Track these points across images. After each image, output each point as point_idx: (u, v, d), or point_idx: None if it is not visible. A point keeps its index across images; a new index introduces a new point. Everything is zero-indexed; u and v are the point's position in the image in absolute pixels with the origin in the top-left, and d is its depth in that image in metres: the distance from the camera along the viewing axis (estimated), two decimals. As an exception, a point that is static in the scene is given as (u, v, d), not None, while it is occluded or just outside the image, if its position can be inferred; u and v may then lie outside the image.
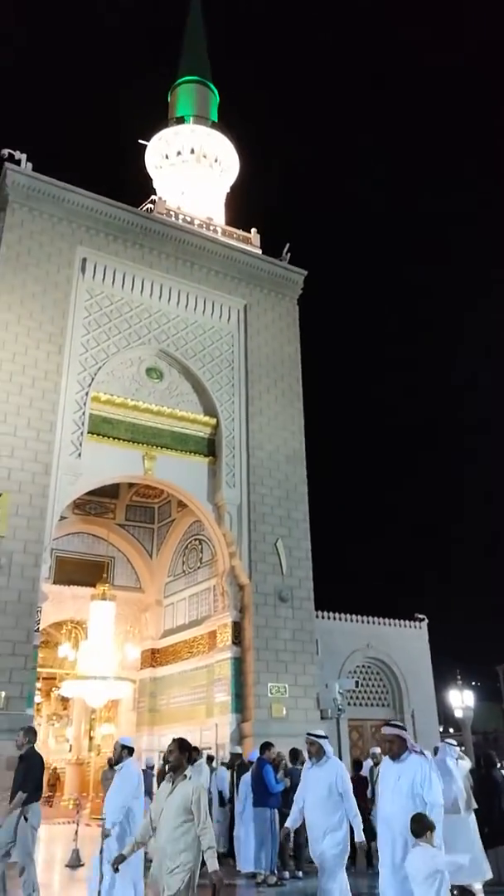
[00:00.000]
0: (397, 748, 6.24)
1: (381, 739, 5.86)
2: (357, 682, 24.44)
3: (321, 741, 7.71)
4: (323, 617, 23.86)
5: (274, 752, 11.81)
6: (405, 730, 6.32)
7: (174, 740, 6.10)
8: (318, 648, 21.53)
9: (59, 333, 19.50)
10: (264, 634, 19.92)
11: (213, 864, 5.44)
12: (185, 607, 24.24)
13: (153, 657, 24.90)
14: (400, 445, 67.78)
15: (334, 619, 24.83)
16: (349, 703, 23.24)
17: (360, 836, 7.12)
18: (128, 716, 25.33)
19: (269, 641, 19.90)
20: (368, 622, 25.74)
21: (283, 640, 20.13)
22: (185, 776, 5.83)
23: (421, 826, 5.72)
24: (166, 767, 6.66)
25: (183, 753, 5.97)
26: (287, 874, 11.12)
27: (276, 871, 10.91)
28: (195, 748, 14.10)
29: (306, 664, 20.32)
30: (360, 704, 24.83)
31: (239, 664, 19.97)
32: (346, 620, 25.21)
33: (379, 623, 25.99)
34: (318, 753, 7.61)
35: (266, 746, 11.85)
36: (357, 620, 25.49)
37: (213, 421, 21.67)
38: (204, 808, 5.66)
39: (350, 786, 7.47)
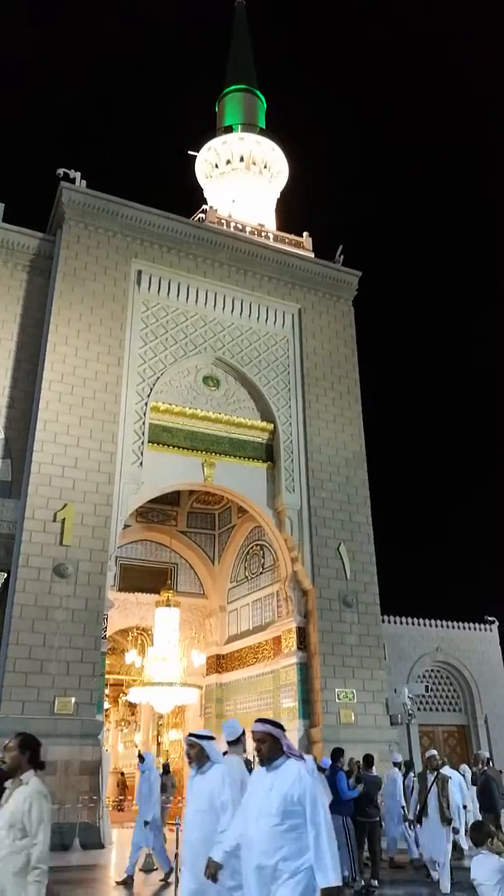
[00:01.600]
0: (267, 750, 4.59)
1: (253, 738, 4.68)
2: (427, 687, 23.98)
3: (203, 742, 6.15)
4: (389, 621, 23.54)
5: (346, 759, 11.67)
6: (281, 728, 4.72)
7: (16, 735, 4.75)
8: (385, 653, 21.21)
9: (118, 346, 19.86)
10: (330, 639, 19.74)
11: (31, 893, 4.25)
12: (248, 613, 24.25)
13: (219, 663, 24.99)
14: (470, 443, 66.44)
15: (401, 623, 24.48)
16: (419, 709, 22.82)
17: (217, 856, 5.24)
18: (195, 721, 25.47)
19: (334, 646, 19.71)
20: (437, 625, 25.27)
21: (350, 646, 19.90)
22: (22, 782, 4.56)
23: (481, 834, 5.55)
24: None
25: (24, 753, 4.62)
26: (374, 882, 10.90)
27: (355, 879, 10.81)
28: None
29: (374, 669, 20.03)
30: (431, 710, 24.36)
31: (305, 669, 19.84)
32: (413, 624, 24.82)
33: (448, 626, 25.48)
34: (198, 758, 6.10)
35: (338, 753, 11.73)
36: (425, 624, 25.06)
37: (271, 426, 21.65)
38: (37, 821, 4.39)
39: (229, 797, 5.79)
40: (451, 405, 67.14)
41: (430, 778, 10.96)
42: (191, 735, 6.24)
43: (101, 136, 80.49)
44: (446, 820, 10.51)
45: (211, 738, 6.27)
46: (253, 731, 4.64)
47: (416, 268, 75.91)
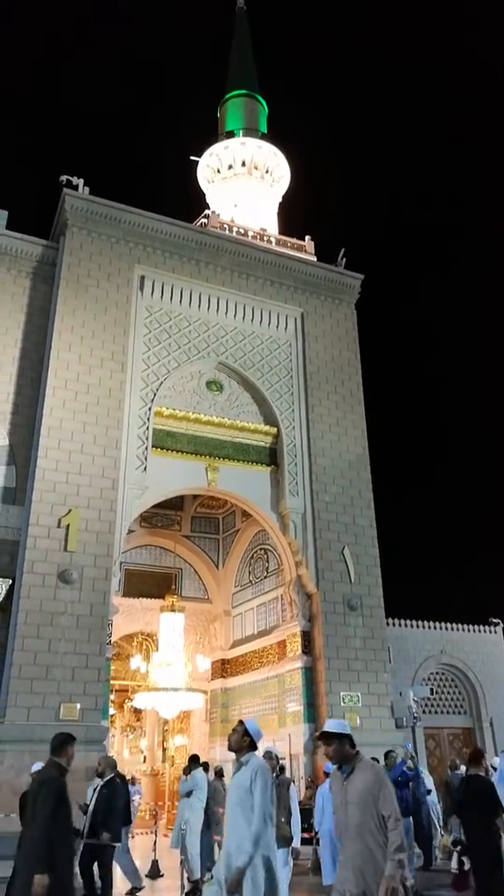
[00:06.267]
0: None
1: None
2: (432, 690, 23.95)
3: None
4: (394, 624, 23.53)
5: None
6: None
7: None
8: (390, 656, 21.20)
9: (121, 351, 19.92)
10: (334, 643, 19.74)
11: None
12: (253, 617, 24.27)
13: (223, 668, 25.00)
14: (474, 445, 66.33)
15: (406, 625, 24.47)
16: (424, 711, 22.79)
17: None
18: (200, 727, 25.48)
19: (339, 650, 19.71)
20: (441, 628, 25.25)
21: (354, 649, 19.91)
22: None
23: None
24: None
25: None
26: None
27: None
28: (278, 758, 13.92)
29: (379, 672, 20.02)
30: (436, 712, 24.33)
31: (310, 673, 19.84)
32: (418, 627, 24.80)
33: (452, 628, 25.45)
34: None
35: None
36: (429, 626, 25.05)
37: (274, 430, 21.69)
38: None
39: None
40: (455, 406, 67.13)
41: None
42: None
43: (103, 143, 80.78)
44: None
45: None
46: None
47: (419, 270, 75.96)
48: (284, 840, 7.69)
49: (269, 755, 8.34)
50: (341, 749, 4.69)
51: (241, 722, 5.44)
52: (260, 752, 6.44)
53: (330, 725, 4.73)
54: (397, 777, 11.16)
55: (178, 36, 79.76)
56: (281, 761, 15.86)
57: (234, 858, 4.90)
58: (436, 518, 58.79)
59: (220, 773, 13.90)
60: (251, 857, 4.87)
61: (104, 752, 16.33)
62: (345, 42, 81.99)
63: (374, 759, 11.82)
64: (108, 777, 9.22)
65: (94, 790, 9.31)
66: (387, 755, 11.94)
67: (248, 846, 4.89)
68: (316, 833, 11.95)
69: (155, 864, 12.71)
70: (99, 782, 9.36)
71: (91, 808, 8.99)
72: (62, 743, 5.80)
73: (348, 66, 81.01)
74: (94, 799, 9.11)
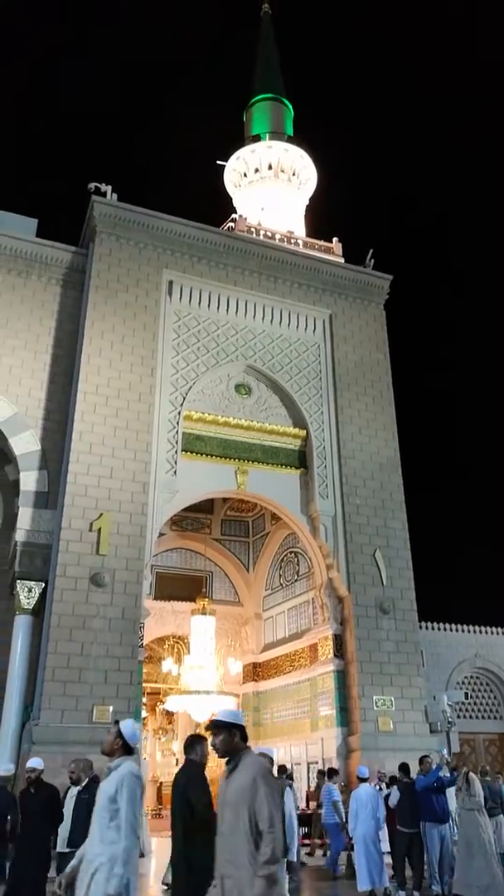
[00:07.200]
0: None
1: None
2: (466, 694, 23.63)
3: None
4: (427, 627, 23.26)
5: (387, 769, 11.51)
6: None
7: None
8: (423, 660, 20.96)
9: (151, 356, 20.04)
10: (367, 647, 19.57)
11: None
12: (284, 620, 24.19)
13: (255, 671, 24.96)
14: None
15: (439, 629, 24.18)
16: (459, 716, 22.47)
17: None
18: (233, 730, 25.43)
19: (372, 654, 19.53)
20: (475, 631, 24.89)
21: (387, 653, 19.71)
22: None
23: None
24: None
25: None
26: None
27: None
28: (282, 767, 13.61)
29: (412, 676, 19.80)
30: (471, 717, 23.98)
31: (342, 677, 19.69)
32: (451, 630, 24.49)
33: (487, 632, 25.08)
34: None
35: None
36: (463, 630, 24.71)
37: (303, 433, 21.61)
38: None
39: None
40: (487, 406, 66.26)
41: None
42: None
43: (131, 149, 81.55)
44: None
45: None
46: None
47: (449, 270, 75.23)
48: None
49: (264, 758, 8.04)
50: (229, 741, 4.14)
51: (115, 722, 5.12)
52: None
53: (220, 714, 4.24)
54: (432, 783, 10.95)
55: (205, 39, 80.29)
56: (289, 769, 15.68)
57: (99, 875, 4.42)
58: (469, 520, 58.08)
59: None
60: (124, 880, 4.38)
61: (136, 754, 16.39)
62: (370, 43, 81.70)
63: (404, 764, 11.68)
64: (85, 782, 8.31)
65: (73, 798, 8.42)
66: (421, 760, 11.76)
67: (119, 868, 4.39)
68: (351, 839, 11.83)
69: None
70: (75, 790, 8.44)
71: (71, 816, 8.21)
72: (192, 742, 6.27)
73: (374, 67, 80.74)
74: (72, 807, 8.28)
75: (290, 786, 12.07)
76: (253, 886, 3.67)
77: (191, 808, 5.70)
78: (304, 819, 14.83)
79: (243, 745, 4.15)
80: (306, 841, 15.26)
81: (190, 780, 5.86)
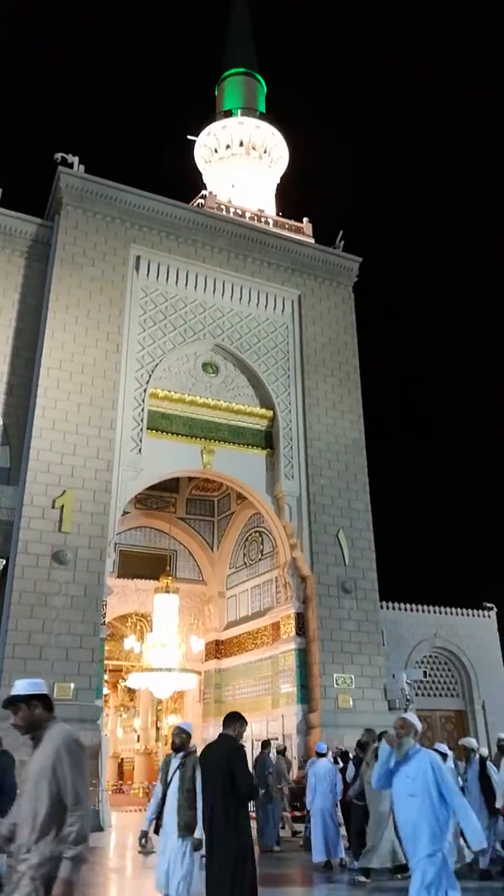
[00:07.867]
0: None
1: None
2: (425, 673, 24.09)
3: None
4: (388, 607, 23.61)
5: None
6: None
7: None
8: (383, 639, 21.31)
9: (116, 332, 19.78)
10: (328, 625, 19.82)
11: None
12: (247, 599, 24.35)
13: (217, 649, 25.11)
14: (470, 429, 66.32)
15: (400, 609, 24.56)
16: (417, 694, 22.93)
17: None
18: (194, 707, 25.63)
19: (333, 632, 19.80)
20: (435, 612, 25.35)
21: (348, 631, 20.00)
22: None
23: None
24: None
25: None
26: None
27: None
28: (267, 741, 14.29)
29: (372, 655, 20.14)
30: (429, 695, 24.49)
31: (304, 655, 19.94)
32: (412, 610, 24.89)
33: (446, 612, 25.56)
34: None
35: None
36: (423, 610, 25.14)
37: (270, 413, 21.62)
38: None
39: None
40: (452, 390, 67.07)
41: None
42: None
43: (99, 121, 79.85)
44: None
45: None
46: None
47: (418, 253, 75.57)
48: (187, 828, 6.69)
49: (178, 731, 7.48)
50: (29, 715, 3.58)
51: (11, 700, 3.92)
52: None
53: (16, 687, 3.64)
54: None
55: (177, 11, 78.69)
56: (275, 742, 16.01)
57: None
58: (432, 503, 59.02)
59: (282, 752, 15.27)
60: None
61: (98, 730, 16.44)
62: (344, 20, 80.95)
63: (361, 740, 11.84)
64: None
65: None
66: (380, 736, 11.96)
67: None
68: (308, 811, 12.04)
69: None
70: None
71: None
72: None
73: (347, 45, 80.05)
74: None
75: (268, 754, 13.61)
76: (60, 869, 3.28)
77: (232, 779, 5.61)
78: (299, 792, 15.08)
79: (47, 715, 3.60)
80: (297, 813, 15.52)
81: (231, 753, 5.77)
